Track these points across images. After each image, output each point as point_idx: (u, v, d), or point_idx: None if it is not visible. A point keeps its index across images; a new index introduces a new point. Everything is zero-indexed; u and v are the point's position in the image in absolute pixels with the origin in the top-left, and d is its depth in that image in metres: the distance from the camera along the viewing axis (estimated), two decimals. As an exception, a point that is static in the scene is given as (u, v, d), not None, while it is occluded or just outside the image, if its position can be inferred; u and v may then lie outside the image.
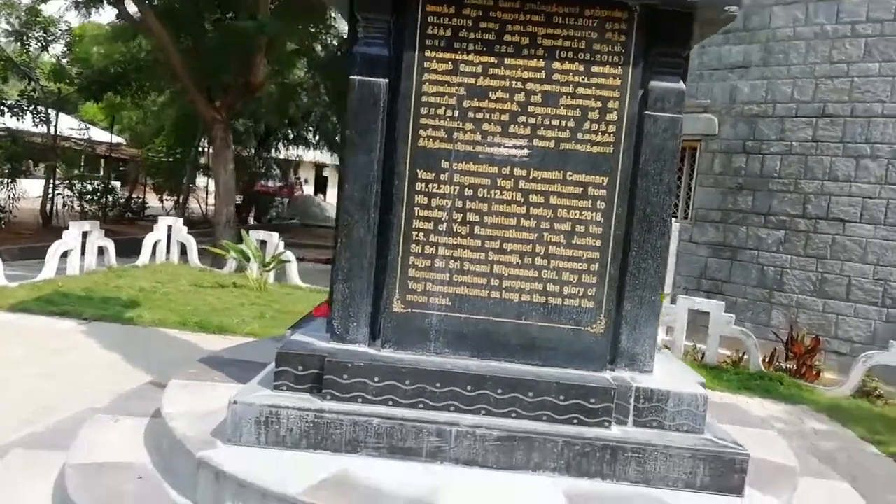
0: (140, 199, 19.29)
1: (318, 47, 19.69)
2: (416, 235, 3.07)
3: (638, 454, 2.63)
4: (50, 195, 16.01)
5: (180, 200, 19.94)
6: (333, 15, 18.92)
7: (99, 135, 21.86)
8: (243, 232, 9.71)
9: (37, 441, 3.52)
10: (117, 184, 20.98)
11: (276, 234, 9.82)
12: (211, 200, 22.68)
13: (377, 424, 2.70)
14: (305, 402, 2.76)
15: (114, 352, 5.77)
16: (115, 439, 3.13)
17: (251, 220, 21.77)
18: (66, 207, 16.58)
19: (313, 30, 17.85)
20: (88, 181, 17.52)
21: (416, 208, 3.07)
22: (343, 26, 20.03)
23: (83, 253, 8.80)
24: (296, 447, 2.70)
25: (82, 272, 8.75)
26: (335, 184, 35.68)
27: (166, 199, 20.38)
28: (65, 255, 8.56)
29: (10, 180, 15.34)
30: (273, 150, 24.92)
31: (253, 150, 23.19)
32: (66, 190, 16.63)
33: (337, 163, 26.87)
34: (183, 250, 10.46)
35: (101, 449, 3.01)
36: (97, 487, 2.66)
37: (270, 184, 25.21)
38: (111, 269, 9.14)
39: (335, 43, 20.11)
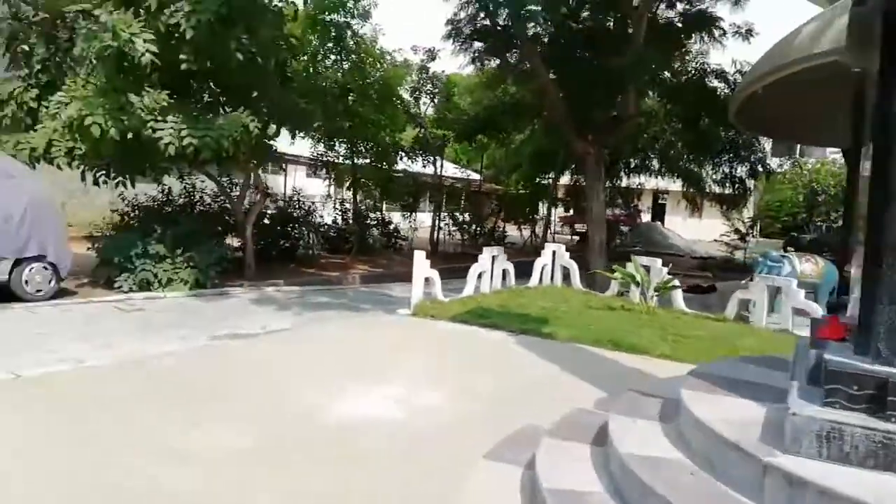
0: (501, 229, 21.30)
1: (667, 74, 19.55)
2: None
3: None
4: (437, 225, 18.70)
5: (535, 229, 21.50)
6: (692, 41, 18.64)
7: (452, 170, 24.90)
8: (633, 257, 10.07)
9: (553, 432, 4.10)
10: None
11: (658, 261, 9.96)
12: (555, 229, 24.08)
13: (962, 456, 2.55)
14: (869, 422, 2.73)
15: (550, 362, 6.42)
16: (642, 436, 3.49)
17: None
18: (449, 236, 19.16)
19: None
20: (462, 213, 19.99)
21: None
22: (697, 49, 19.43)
23: (492, 275, 10.06)
24: (860, 465, 2.68)
25: (490, 291, 10.00)
26: (673, 210, 34.77)
27: (523, 229, 22.15)
28: (479, 275, 9.89)
29: (410, 213, 18.35)
30: (616, 179, 25.39)
31: (599, 180, 23.95)
32: (450, 221, 19.24)
33: (680, 189, 26.18)
34: (565, 274, 11.25)
35: (635, 443, 3.38)
36: (660, 477, 2.99)
37: (612, 212, 25.64)
38: (512, 290, 10.26)
39: (689, 69, 19.76)
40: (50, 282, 8.92)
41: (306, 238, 14.76)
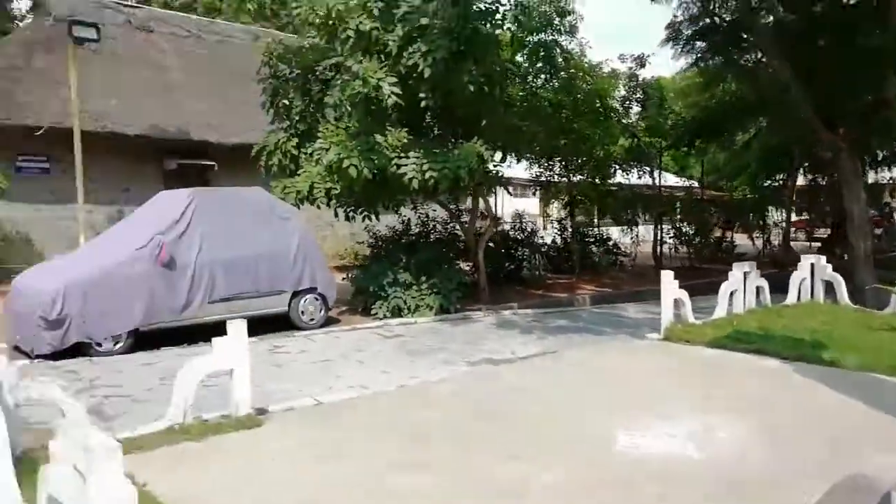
0: (729, 238, 19.76)
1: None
2: None
3: None
4: (660, 239, 17.85)
5: (768, 238, 19.63)
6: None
7: (672, 179, 23.54)
8: (923, 269, 8.72)
9: None
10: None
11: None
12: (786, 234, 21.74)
13: None
14: None
15: (845, 395, 5.71)
16: None
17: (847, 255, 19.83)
18: (671, 249, 18.20)
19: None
20: (685, 224, 18.85)
21: None
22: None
23: (745, 293, 9.28)
24: None
25: (744, 310, 9.21)
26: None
27: (755, 238, 20.33)
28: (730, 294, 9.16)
29: (630, 227, 17.76)
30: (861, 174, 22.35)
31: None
32: (673, 233, 18.29)
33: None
34: (828, 288, 10.05)
35: None
36: None
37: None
38: (768, 309, 9.37)
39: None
40: (320, 311, 9.91)
41: (531, 259, 14.87)
